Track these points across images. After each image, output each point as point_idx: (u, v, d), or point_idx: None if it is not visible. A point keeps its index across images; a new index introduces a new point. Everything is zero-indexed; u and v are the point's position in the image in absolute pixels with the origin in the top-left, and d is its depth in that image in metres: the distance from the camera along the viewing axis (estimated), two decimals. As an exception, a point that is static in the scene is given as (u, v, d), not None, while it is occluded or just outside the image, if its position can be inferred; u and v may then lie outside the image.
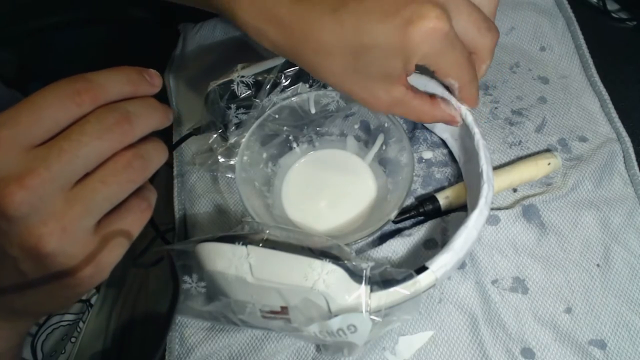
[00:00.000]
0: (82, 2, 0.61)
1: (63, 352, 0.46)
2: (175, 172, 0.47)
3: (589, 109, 0.46)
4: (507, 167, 0.41)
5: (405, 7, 0.29)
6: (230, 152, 0.43)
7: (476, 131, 0.37)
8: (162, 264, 0.47)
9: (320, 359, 0.36)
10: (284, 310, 0.31)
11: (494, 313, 0.37)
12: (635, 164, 0.42)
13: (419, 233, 0.40)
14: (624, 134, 0.44)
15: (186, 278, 0.34)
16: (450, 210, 0.41)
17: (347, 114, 0.45)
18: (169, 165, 0.46)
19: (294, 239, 0.33)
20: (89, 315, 0.49)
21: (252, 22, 0.32)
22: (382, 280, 0.31)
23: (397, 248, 0.39)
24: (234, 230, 0.35)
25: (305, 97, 0.41)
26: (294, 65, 0.41)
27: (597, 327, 0.36)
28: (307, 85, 0.42)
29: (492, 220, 0.40)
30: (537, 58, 0.49)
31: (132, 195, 0.27)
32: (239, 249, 0.31)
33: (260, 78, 0.40)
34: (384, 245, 0.39)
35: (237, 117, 0.41)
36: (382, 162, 0.43)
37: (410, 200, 0.42)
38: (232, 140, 0.42)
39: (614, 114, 0.45)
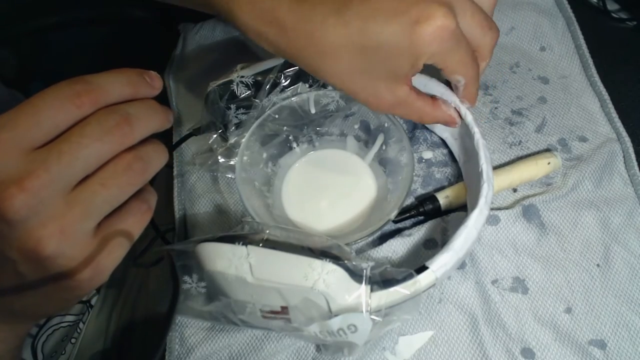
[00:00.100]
0: (82, 2, 0.61)
1: (63, 352, 0.46)
2: (175, 172, 0.47)
3: (589, 109, 0.46)
4: (507, 167, 0.41)
5: (413, 7, 0.29)
6: (230, 152, 0.43)
7: (476, 131, 0.37)
8: (162, 264, 0.47)
9: (320, 359, 0.36)
10: (284, 310, 0.31)
11: (494, 313, 0.37)
12: (635, 164, 0.42)
13: (419, 233, 0.40)
14: (624, 134, 0.44)
15: (186, 278, 0.34)
16: (450, 210, 0.41)
17: (347, 114, 0.45)
18: (169, 165, 0.46)
19: (294, 239, 0.33)
20: (89, 316, 0.49)
21: (252, 25, 0.32)
22: (382, 280, 0.31)
23: (397, 248, 0.39)
24: (234, 230, 0.35)
25: (305, 97, 0.41)
26: (294, 66, 0.41)
27: (597, 327, 0.36)
28: (307, 85, 0.42)
29: (492, 220, 0.40)
30: (537, 58, 0.49)
31: (132, 198, 0.27)
32: (239, 249, 0.31)
33: (260, 78, 0.40)
34: (384, 245, 0.39)
35: (237, 117, 0.41)
36: (382, 162, 0.43)
37: (410, 200, 0.42)
38: (232, 140, 0.42)
39: (614, 114, 0.45)
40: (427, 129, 0.46)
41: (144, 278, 0.51)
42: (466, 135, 0.39)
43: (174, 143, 0.45)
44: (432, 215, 0.41)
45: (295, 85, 0.41)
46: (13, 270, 0.25)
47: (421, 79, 0.40)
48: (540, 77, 0.48)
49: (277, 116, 0.42)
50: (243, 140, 0.40)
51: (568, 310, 0.37)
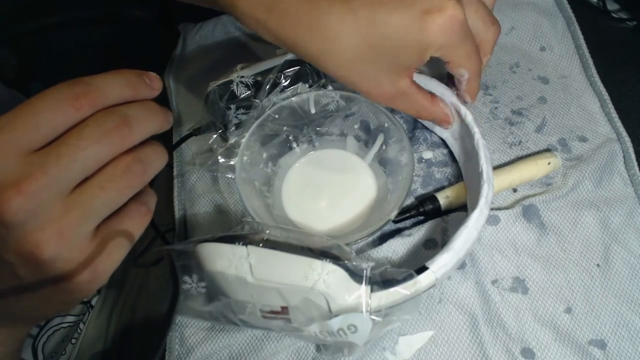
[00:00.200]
0: (82, 2, 0.61)
1: (63, 353, 0.46)
2: (175, 172, 0.47)
3: (589, 109, 0.46)
4: (507, 167, 0.41)
5: None
6: (230, 153, 0.43)
7: (476, 131, 0.37)
8: (162, 264, 0.47)
9: (320, 359, 0.36)
10: (284, 310, 0.31)
11: (494, 313, 0.37)
12: (635, 164, 0.42)
13: (419, 233, 0.39)
14: (624, 134, 0.44)
15: (186, 278, 0.34)
16: (450, 210, 0.41)
17: (347, 114, 0.45)
18: (169, 165, 0.46)
19: (294, 239, 0.33)
20: (89, 317, 0.49)
21: (251, 12, 0.32)
22: (383, 280, 0.31)
23: (397, 248, 0.39)
24: (234, 230, 0.35)
25: (305, 97, 0.41)
26: (294, 66, 0.41)
27: (597, 327, 0.36)
28: (307, 86, 0.42)
29: (492, 220, 0.40)
30: (537, 58, 0.49)
31: (131, 200, 0.27)
32: (239, 249, 0.31)
33: (259, 78, 0.40)
34: (384, 245, 0.39)
35: (237, 117, 0.41)
36: (382, 162, 0.43)
37: (410, 200, 0.42)
38: (232, 140, 0.42)
39: (614, 114, 0.45)
40: (427, 129, 0.46)
41: (144, 278, 0.51)
42: (466, 135, 0.39)
43: (174, 143, 0.45)
44: (432, 215, 0.41)
45: (295, 85, 0.41)
46: (11, 273, 0.25)
47: (421, 78, 0.41)
48: (540, 77, 0.48)
49: (277, 116, 0.42)
50: (243, 140, 0.40)
51: (568, 310, 0.37)
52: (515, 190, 0.42)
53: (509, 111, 0.46)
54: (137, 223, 0.28)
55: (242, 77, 0.40)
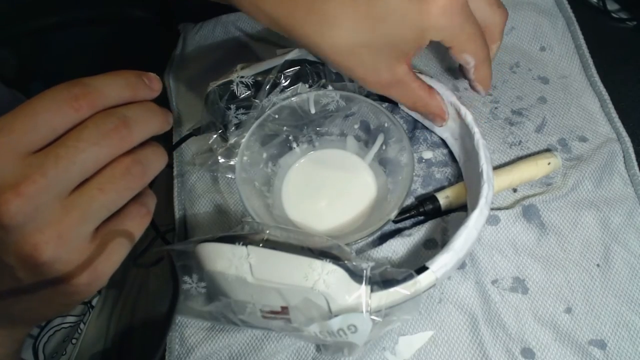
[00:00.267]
0: (82, 2, 0.61)
1: (64, 353, 0.46)
2: (175, 173, 0.47)
3: (589, 109, 0.46)
4: (507, 167, 0.41)
5: None
6: (230, 153, 0.43)
7: (476, 131, 0.37)
8: (162, 264, 0.47)
9: (320, 359, 0.36)
10: (284, 310, 0.31)
11: (494, 313, 0.37)
12: (635, 164, 0.42)
13: (419, 233, 0.39)
14: (624, 134, 0.44)
15: (186, 278, 0.34)
16: (450, 210, 0.41)
17: (347, 114, 0.45)
18: (169, 165, 0.46)
19: (294, 239, 0.33)
20: (89, 317, 0.49)
21: None
22: (383, 280, 0.31)
23: (397, 248, 0.39)
24: (234, 230, 0.35)
25: (305, 97, 0.41)
26: (294, 66, 0.41)
27: (597, 327, 0.36)
28: (307, 86, 0.42)
29: (492, 220, 0.40)
30: (537, 58, 0.49)
31: (131, 201, 0.27)
32: (239, 249, 0.31)
33: (259, 78, 0.40)
34: (384, 245, 0.39)
35: (236, 117, 0.41)
36: (382, 162, 0.43)
37: (410, 200, 0.42)
38: (232, 140, 0.42)
39: (614, 114, 0.45)
40: (427, 129, 0.46)
41: (144, 278, 0.51)
42: (466, 135, 0.39)
43: (174, 143, 0.45)
44: (432, 215, 0.41)
45: (295, 86, 0.41)
46: (11, 275, 0.25)
47: (422, 78, 0.41)
48: (540, 77, 0.48)
49: (277, 116, 0.42)
50: (243, 140, 0.40)
51: (568, 310, 0.37)
52: (515, 190, 0.42)
53: (509, 111, 0.46)
54: (136, 224, 0.28)
55: (242, 77, 0.40)
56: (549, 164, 0.41)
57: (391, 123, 0.41)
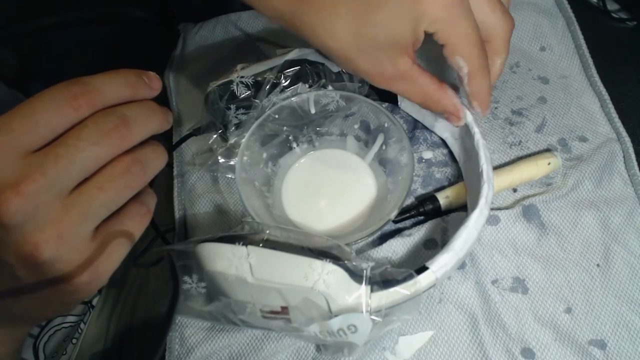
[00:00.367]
0: (82, 2, 0.61)
1: (64, 353, 0.46)
2: (175, 172, 0.47)
3: (589, 109, 0.46)
4: (507, 167, 0.41)
5: None
6: (230, 153, 0.43)
7: (476, 131, 0.37)
8: (162, 264, 0.47)
9: (320, 359, 0.36)
10: (284, 310, 0.31)
11: (494, 313, 0.37)
12: (635, 164, 0.42)
13: (419, 233, 0.40)
14: (624, 134, 0.44)
15: (186, 278, 0.34)
16: (450, 210, 0.41)
17: (347, 114, 0.45)
18: (169, 165, 0.46)
19: (294, 239, 0.33)
20: (90, 317, 0.49)
21: None
22: (383, 280, 0.31)
23: (397, 248, 0.39)
24: (234, 230, 0.35)
25: (305, 97, 0.41)
26: (294, 66, 0.41)
27: (597, 327, 0.36)
28: (307, 86, 0.42)
29: (492, 220, 0.40)
30: (537, 58, 0.49)
31: (131, 200, 0.27)
32: (239, 249, 0.31)
33: (259, 78, 0.40)
34: (384, 245, 0.39)
35: (236, 117, 0.41)
36: (382, 162, 0.43)
37: (410, 200, 0.42)
38: (232, 140, 0.42)
39: (614, 114, 0.45)
40: (427, 129, 0.46)
41: (144, 278, 0.51)
42: (466, 135, 0.39)
43: (174, 143, 0.45)
44: (432, 215, 0.41)
45: (295, 86, 0.41)
46: (11, 274, 0.25)
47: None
48: (540, 77, 0.48)
49: (277, 116, 0.42)
50: (243, 140, 0.40)
51: (568, 310, 0.37)
52: (515, 190, 0.42)
53: (509, 111, 0.46)
54: (137, 223, 0.28)
55: (242, 77, 0.40)
56: (549, 164, 0.41)
57: (391, 123, 0.41)
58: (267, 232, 0.33)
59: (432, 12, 0.29)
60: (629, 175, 0.42)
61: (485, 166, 0.36)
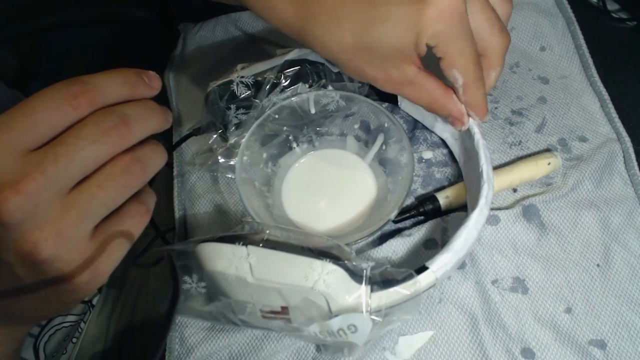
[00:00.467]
0: (82, 2, 0.61)
1: (64, 352, 0.46)
2: (175, 172, 0.47)
3: (589, 109, 0.46)
4: (507, 167, 0.41)
5: None
6: (230, 153, 0.43)
7: (476, 131, 0.37)
8: (162, 264, 0.47)
9: (320, 359, 0.36)
10: (284, 310, 0.31)
11: (494, 313, 0.37)
12: (635, 164, 0.42)
13: (419, 233, 0.40)
14: (624, 134, 0.44)
15: (186, 278, 0.34)
16: (450, 210, 0.41)
17: (347, 114, 0.45)
18: (169, 165, 0.46)
19: (294, 239, 0.33)
20: (90, 316, 0.49)
21: None
22: (383, 280, 0.31)
23: (397, 248, 0.39)
24: (234, 230, 0.35)
25: (305, 97, 0.41)
26: (294, 66, 0.41)
27: (597, 327, 0.36)
28: (307, 86, 0.42)
29: (492, 220, 0.40)
30: (537, 58, 0.49)
31: (130, 199, 0.27)
32: (239, 249, 0.31)
33: (259, 78, 0.40)
34: (384, 245, 0.39)
35: (237, 117, 0.41)
36: (382, 162, 0.43)
37: (410, 200, 0.42)
38: (232, 140, 0.42)
39: (614, 114, 0.45)
40: (427, 129, 0.46)
41: (144, 278, 0.51)
42: (466, 135, 0.39)
43: (174, 143, 0.45)
44: (432, 215, 0.41)
45: (295, 86, 0.41)
46: (10, 273, 0.25)
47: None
48: (540, 77, 0.48)
49: (277, 116, 0.42)
50: (243, 140, 0.40)
51: (568, 310, 0.37)
52: (515, 190, 0.42)
53: (509, 111, 0.46)
54: (136, 222, 0.28)
55: (242, 77, 0.40)
56: (549, 164, 0.41)
57: (391, 123, 0.41)
58: (267, 232, 0.33)
59: (434, 27, 0.29)
60: (629, 175, 0.42)
61: (485, 166, 0.36)
